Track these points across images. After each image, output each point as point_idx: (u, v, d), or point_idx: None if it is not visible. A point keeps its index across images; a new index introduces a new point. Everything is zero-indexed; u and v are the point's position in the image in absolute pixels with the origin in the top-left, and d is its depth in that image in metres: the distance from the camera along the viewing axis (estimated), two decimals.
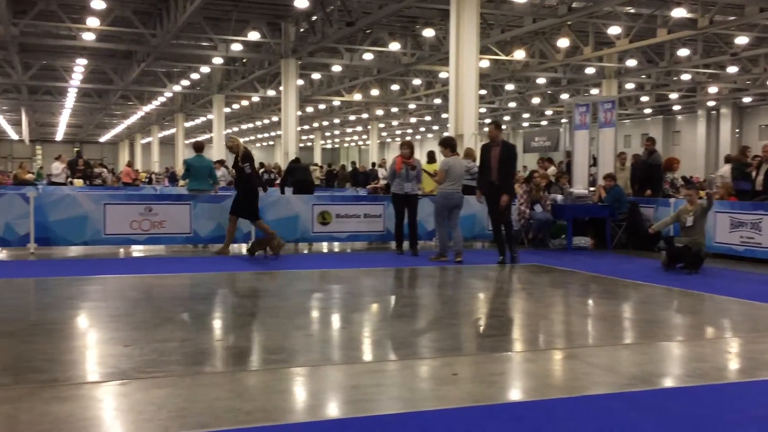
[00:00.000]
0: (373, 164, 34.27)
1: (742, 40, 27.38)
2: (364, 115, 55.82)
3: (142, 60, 32.59)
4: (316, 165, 37.77)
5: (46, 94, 46.24)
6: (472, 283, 10.20)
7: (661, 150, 22.26)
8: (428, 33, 27.01)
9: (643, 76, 36.64)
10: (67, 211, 12.35)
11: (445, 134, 15.23)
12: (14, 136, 73.95)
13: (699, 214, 11.21)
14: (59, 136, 76.76)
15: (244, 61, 35.05)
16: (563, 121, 51.96)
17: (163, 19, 26.61)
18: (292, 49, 29.00)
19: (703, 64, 32.34)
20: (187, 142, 51.45)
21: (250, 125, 64.75)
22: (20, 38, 27.32)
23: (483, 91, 39.50)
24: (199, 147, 14.30)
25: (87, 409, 4.32)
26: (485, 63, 30.17)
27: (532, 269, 11.30)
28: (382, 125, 64.03)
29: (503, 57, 30.26)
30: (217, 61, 33.91)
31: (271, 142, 79.39)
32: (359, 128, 67.57)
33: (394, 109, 53.21)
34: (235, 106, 50.03)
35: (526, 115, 55.46)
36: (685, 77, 35.48)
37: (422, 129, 67.69)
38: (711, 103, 46.11)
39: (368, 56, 30.31)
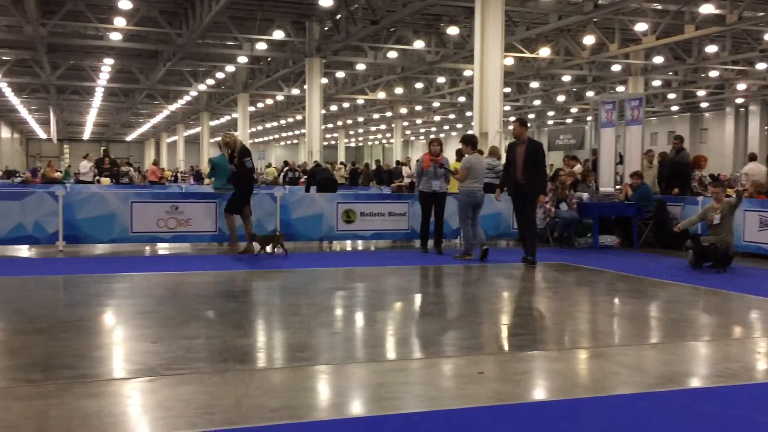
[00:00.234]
0: (398, 162, 34.29)
1: None
2: (388, 114, 55.83)
3: (168, 59, 32.90)
4: (342, 164, 37.85)
5: (74, 93, 46.83)
6: (498, 282, 10.15)
7: (689, 148, 21.93)
8: (452, 31, 26.96)
9: (670, 73, 36.26)
10: (95, 209, 12.50)
11: (468, 132, 15.13)
12: (42, 135, 75.05)
13: (726, 211, 11.02)
14: (86, 135, 77.76)
15: (269, 59, 35.22)
16: (588, 118, 51.60)
17: (188, 19, 26.84)
18: (316, 47, 29.09)
19: (731, 61, 31.91)
20: (212, 140, 51.81)
21: (275, 124, 65.13)
22: (48, 38, 27.70)
23: (507, 89, 39.31)
24: None
25: (116, 405, 4.36)
26: (510, 60, 30.07)
27: (557, 268, 11.23)
28: (406, 123, 64.05)
29: (528, 54, 30.10)
30: (242, 60, 34.12)
31: (295, 141, 79.76)
32: (383, 126, 67.61)
33: (418, 108, 53.15)
34: (260, 105, 50.30)
35: (551, 113, 55.15)
36: (713, 74, 35.01)
37: (446, 127, 67.51)
38: (739, 100, 45.50)
39: (392, 54, 30.33)
